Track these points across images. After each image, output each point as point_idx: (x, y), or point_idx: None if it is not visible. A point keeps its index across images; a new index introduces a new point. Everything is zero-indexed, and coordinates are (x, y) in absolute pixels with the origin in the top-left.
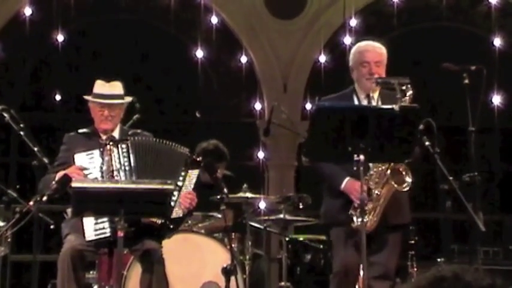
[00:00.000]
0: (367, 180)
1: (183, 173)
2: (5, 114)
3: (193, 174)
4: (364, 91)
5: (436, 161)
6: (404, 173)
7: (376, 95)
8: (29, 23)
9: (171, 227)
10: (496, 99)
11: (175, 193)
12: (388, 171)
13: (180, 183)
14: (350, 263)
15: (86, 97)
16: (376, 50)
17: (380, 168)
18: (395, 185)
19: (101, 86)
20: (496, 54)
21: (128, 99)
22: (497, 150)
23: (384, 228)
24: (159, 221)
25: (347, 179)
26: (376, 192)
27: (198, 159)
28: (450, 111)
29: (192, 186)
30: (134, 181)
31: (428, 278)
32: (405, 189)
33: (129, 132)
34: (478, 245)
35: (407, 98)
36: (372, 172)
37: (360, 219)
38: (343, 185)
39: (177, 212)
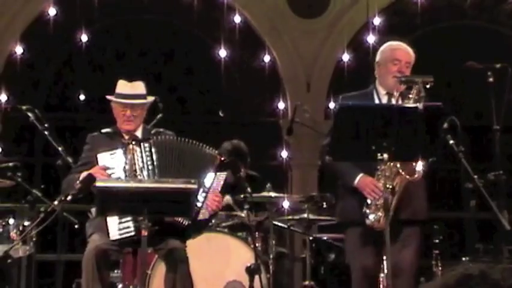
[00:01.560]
0: (379, 176)
1: (211, 175)
2: (30, 114)
3: (221, 177)
4: (386, 89)
5: (460, 159)
6: (414, 163)
7: (397, 93)
8: (53, 23)
9: (198, 228)
10: None
11: (203, 195)
12: (398, 164)
13: (208, 185)
14: (368, 265)
15: (108, 97)
16: (408, 51)
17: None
18: (407, 176)
19: (123, 86)
20: None
21: (150, 99)
22: None
23: (396, 223)
24: (186, 222)
25: (360, 175)
26: (388, 185)
27: (223, 159)
28: (475, 109)
29: (220, 188)
30: (158, 180)
31: (456, 275)
32: (417, 178)
33: (152, 132)
34: (503, 244)
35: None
36: (383, 167)
37: (374, 216)
38: (356, 181)
39: (203, 214)
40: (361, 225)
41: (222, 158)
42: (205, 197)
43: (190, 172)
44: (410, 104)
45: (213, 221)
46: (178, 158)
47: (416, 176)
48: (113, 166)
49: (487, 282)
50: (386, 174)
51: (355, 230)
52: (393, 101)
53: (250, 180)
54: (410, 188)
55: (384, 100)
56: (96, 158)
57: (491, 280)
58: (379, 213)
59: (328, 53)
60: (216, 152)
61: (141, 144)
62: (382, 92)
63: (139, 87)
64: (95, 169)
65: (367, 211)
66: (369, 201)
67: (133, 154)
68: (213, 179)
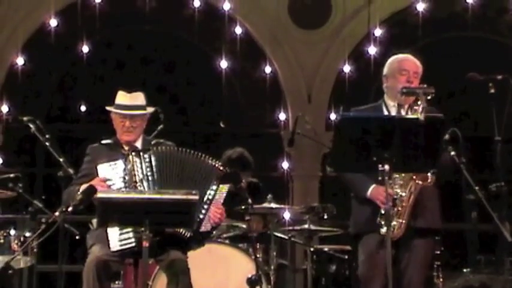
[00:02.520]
0: (392, 184)
1: (214, 187)
2: (31, 125)
3: (224, 189)
4: (395, 100)
5: (462, 171)
6: None
7: (406, 105)
8: (54, 35)
9: (200, 239)
10: None
11: (205, 206)
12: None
13: (210, 197)
14: (381, 269)
15: (108, 108)
16: (415, 62)
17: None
18: (420, 182)
19: (122, 97)
20: None
21: (150, 109)
22: None
23: (412, 232)
24: (187, 234)
25: (373, 186)
26: (401, 193)
27: (225, 169)
28: (476, 121)
29: (222, 201)
30: (159, 191)
31: (457, 287)
32: (430, 183)
33: (152, 142)
34: (504, 255)
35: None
36: (396, 175)
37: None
38: (369, 192)
39: (205, 226)
40: (376, 233)
41: (223, 169)
42: (208, 209)
43: (192, 183)
44: (411, 115)
45: (214, 232)
46: (179, 169)
47: (429, 181)
48: (112, 177)
49: None
50: (400, 183)
51: (371, 237)
52: (403, 113)
53: (251, 188)
54: (424, 198)
55: (393, 112)
56: (96, 169)
57: None
58: (394, 223)
59: (330, 64)
60: (219, 163)
61: (141, 155)
62: (390, 104)
63: (138, 98)
64: (96, 180)
65: (382, 221)
66: (382, 211)
67: (133, 165)
68: (215, 191)
